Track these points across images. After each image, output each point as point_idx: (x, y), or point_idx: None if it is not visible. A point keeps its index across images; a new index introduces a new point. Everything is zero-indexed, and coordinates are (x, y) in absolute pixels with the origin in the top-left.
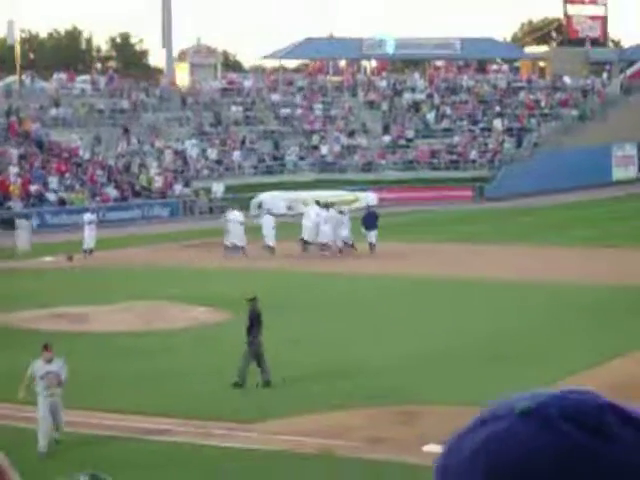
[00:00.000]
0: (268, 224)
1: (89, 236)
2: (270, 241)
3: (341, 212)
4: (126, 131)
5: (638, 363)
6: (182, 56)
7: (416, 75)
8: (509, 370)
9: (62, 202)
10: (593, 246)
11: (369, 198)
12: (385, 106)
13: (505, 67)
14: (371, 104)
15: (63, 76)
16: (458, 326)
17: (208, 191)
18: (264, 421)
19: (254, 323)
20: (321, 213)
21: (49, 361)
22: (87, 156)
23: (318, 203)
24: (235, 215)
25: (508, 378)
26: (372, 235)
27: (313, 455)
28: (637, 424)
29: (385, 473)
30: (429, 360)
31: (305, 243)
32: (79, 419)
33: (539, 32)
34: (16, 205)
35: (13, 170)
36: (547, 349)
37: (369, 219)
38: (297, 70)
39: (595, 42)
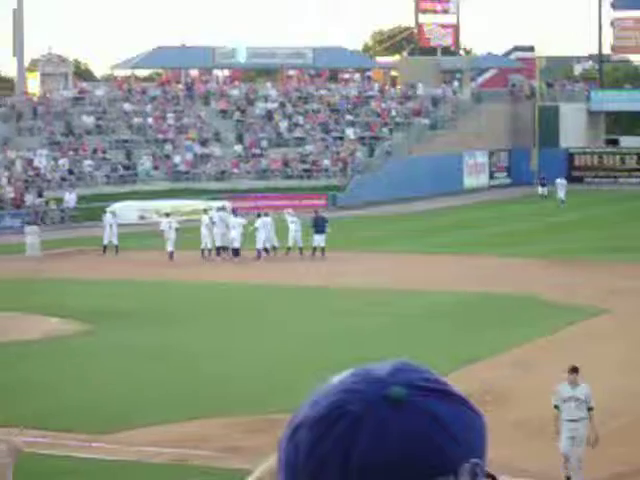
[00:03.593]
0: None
1: None
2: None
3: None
4: None
5: (488, 369)
6: (33, 65)
7: (268, 84)
8: None
9: None
10: (445, 253)
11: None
12: (238, 115)
13: (357, 76)
14: (224, 113)
15: None
16: (314, 336)
17: (60, 201)
18: (117, 432)
19: None
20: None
21: None
22: None
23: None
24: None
25: None
26: (321, 239)
27: (165, 465)
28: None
29: None
30: (286, 367)
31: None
32: None
33: (390, 41)
34: None
35: None
36: (404, 353)
37: (318, 223)
38: (149, 79)
39: (446, 50)
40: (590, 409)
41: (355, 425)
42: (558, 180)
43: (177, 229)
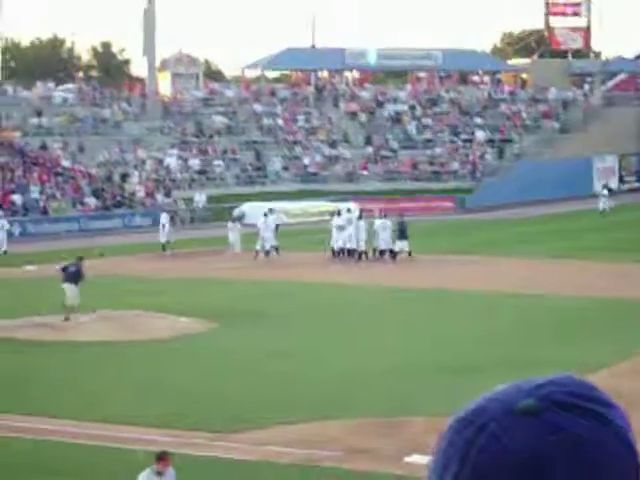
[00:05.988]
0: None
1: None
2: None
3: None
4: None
5: (613, 376)
6: (164, 65)
7: (398, 86)
8: (491, 380)
9: (44, 211)
10: (571, 257)
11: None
12: (367, 117)
13: (487, 78)
14: (353, 115)
15: (49, 85)
16: (442, 337)
17: (190, 201)
18: (245, 431)
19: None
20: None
21: (161, 473)
22: (68, 165)
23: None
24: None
25: (488, 389)
26: (405, 244)
27: (294, 465)
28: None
29: None
30: (412, 371)
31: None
32: (59, 427)
33: (521, 43)
34: None
35: None
36: (529, 360)
37: (402, 227)
38: (279, 80)
39: (577, 53)
40: None
41: (480, 430)
42: (599, 190)
43: (276, 228)
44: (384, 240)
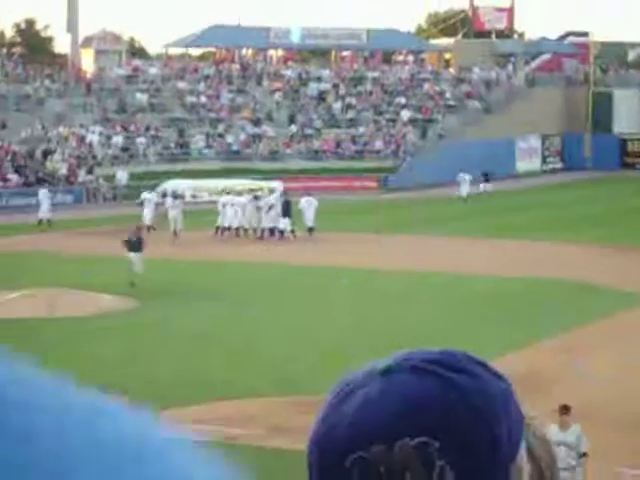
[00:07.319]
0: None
1: None
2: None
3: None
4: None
5: (537, 354)
6: (87, 42)
7: (322, 65)
8: None
9: None
10: (495, 237)
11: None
12: (291, 95)
13: (410, 58)
14: (277, 93)
15: None
16: (364, 316)
17: (112, 178)
18: (168, 408)
19: None
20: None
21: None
22: None
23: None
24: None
25: None
26: (287, 222)
27: (210, 442)
28: (482, 364)
29: (285, 461)
30: (334, 350)
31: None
32: None
33: (444, 24)
34: None
35: None
36: (448, 340)
37: (285, 207)
38: (203, 58)
39: (500, 34)
40: (582, 455)
41: (348, 395)
42: (461, 175)
43: (182, 210)
44: (309, 218)
